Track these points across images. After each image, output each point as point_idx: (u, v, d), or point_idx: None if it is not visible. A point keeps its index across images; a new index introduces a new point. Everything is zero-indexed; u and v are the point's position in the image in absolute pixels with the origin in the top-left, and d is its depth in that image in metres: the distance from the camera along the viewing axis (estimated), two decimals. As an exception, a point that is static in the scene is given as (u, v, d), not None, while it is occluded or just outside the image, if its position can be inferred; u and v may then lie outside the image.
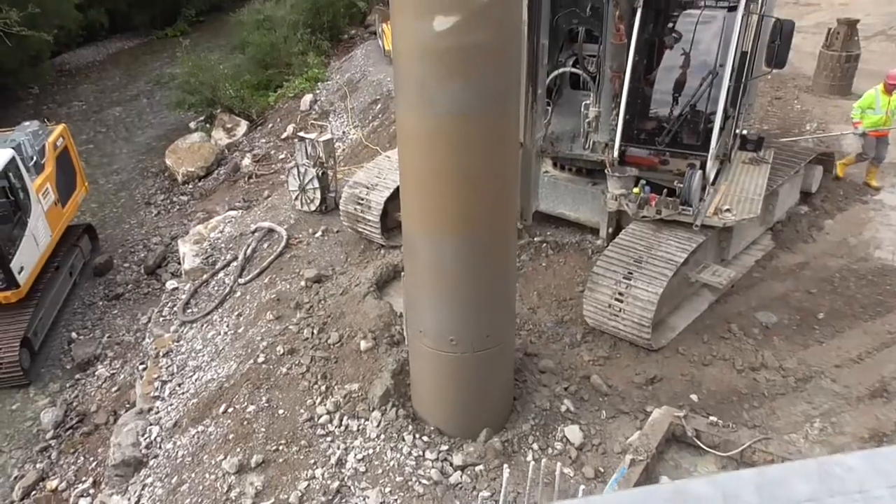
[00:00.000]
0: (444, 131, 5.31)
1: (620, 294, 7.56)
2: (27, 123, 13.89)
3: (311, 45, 22.96)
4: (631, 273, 7.64)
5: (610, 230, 9.14)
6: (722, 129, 8.32)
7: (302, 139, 11.64)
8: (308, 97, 19.76)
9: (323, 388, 7.63)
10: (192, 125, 21.20)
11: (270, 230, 11.30)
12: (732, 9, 8.28)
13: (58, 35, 24.64)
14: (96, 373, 11.17)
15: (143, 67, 27.93)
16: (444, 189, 5.53)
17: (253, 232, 11.43)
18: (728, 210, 8.27)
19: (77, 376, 11.29)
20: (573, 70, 9.59)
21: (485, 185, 5.53)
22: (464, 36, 4.90)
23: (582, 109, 9.32)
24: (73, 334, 12.41)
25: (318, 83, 20.73)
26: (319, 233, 10.92)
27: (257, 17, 23.84)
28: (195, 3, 33.18)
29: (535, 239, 9.85)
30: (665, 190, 8.34)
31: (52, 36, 23.09)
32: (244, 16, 24.74)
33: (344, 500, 6.41)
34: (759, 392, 7.23)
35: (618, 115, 8.60)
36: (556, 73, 9.52)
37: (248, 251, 10.91)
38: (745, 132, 9.58)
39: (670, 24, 8.82)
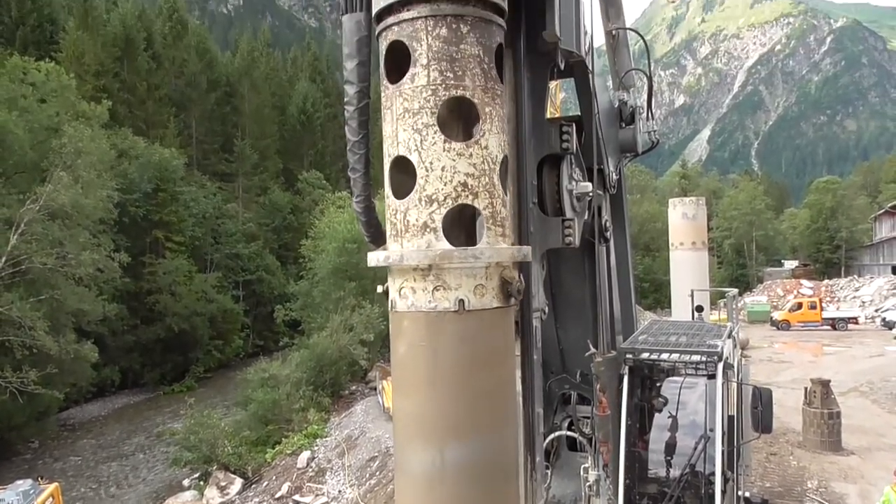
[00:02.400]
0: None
1: None
2: (20, 482, 13.78)
3: (313, 401, 23.79)
4: None
5: None
6: (723, 492, 8.33)
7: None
8: (306, 454, 19.79)
9: None
10: (186, 482, 20.84)
11: None
12: (712, 377, 8.94)
13: (68, 392, 25.66)
14: None
15: (145, 423, 28.44)
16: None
17: None
18: (745, 583, 7.88)
19: None
20: (569, 433, 9.93)
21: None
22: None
23: (581, 473, 9.39)
24: None
25: (317, 439, 20.95)
26: None
27: (262, 375, 25.07)
28: (204, 361, 35.15)
29: None
30: (678, 559, 8.03)
31: (64, 394, 24.04)
32: (250, 373, 26.01)
33: None
34: None
35: (616, 480, 8.67)
36: (552, 436, 9.81)
37: None
38: (747, 494, 9.56)
39: (656, 390, 9.42)
